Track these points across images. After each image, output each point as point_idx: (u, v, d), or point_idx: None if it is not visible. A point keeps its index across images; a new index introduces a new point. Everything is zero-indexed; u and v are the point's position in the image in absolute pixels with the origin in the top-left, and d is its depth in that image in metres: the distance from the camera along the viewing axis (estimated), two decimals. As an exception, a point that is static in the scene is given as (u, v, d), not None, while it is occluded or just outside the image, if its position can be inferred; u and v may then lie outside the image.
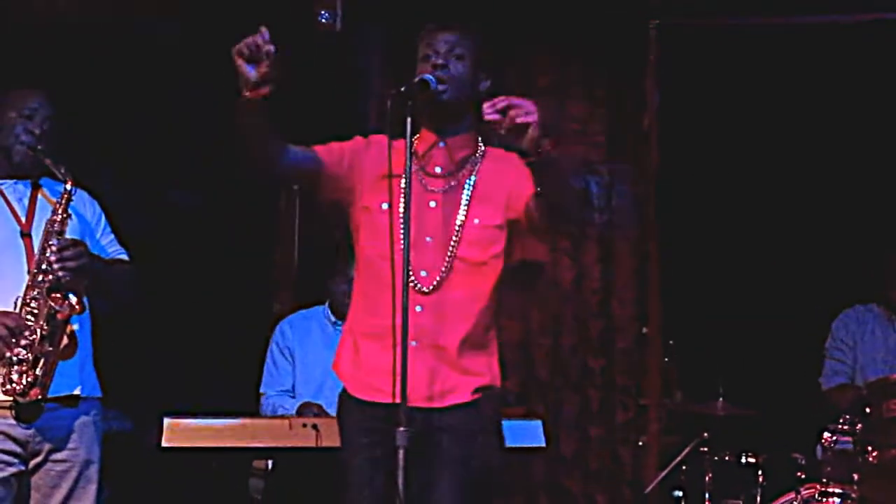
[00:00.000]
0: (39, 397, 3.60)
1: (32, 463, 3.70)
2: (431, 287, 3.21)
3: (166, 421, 3.98)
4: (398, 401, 2.99)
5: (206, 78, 5.49)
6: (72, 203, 3.74)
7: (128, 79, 5.34)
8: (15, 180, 3.84)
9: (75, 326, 3.69)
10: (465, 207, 3.25)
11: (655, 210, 5.66)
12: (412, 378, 3.03)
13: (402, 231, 3.06)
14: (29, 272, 3.68)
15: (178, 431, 3.97)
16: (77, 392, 3.73)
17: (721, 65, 5.59)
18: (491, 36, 3.41)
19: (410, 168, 3.11)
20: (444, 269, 3.22)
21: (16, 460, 3.67)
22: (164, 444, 3.97)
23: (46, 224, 3.71)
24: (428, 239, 3.24)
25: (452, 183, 3.28)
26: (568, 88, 5.78)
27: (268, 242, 6.03)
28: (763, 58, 5.56)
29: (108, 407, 3.88)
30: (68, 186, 3.72)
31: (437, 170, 3.29)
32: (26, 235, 3.76)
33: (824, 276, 5.61)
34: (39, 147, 3.74)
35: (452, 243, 3.22)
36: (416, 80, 3.15)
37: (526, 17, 5.65)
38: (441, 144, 3.31)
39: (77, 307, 3.64)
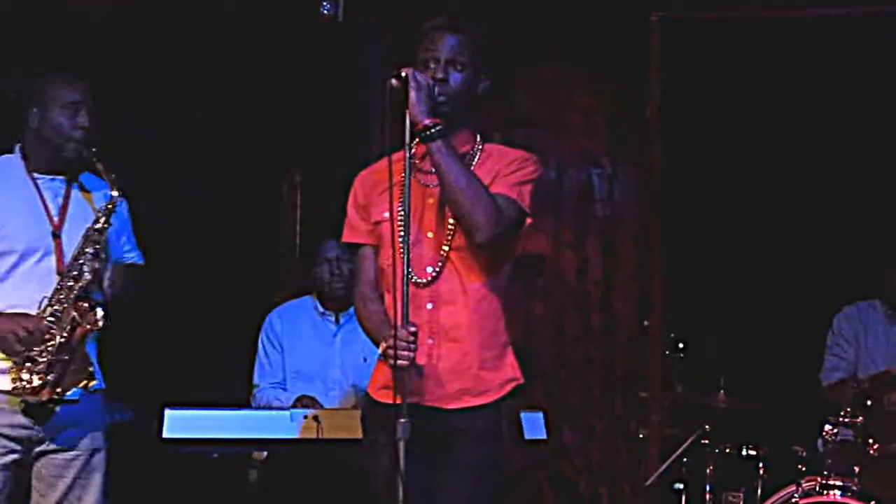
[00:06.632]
0: (48, 398, 3.56)
1: (35, 451, 3.68)
2: (429, 280, 3.20)
3: (168, 412, 3.99)
4: (415, 400, 3.06)
5: (217, 71, 5.53)
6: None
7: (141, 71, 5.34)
8: (52, 176, 3.75)
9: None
10: None
11: (658, 202, 5.66)
12: (431, 377, 3.12)
13: (401, 232, 3.07)
14: (58, 273, 3.63)
15: (180, 423, 3.98)
16: (78, 397, 3.67)
17: (724, 57, 5.57)
18: (494, 30, 3.40)
19: (409, 160, 3.09)
20: (440, 261, 3.21)
21: (19, 447, 3.64)
22: (166, 435, 3.97)
23: (87, 230, 3.64)
24: (429, 235, 3.23)
25: None
26: (571, 80, 5.78)
27: (272, 236, 6.03)
28: (767, 50, 5.55)
29: (111, 398, 3.89)
30: (114, 194, 3.65)
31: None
32: (57, 236, 3.69)
33: (827, 270, 5.59)
34: (94, 149, 3.66)
35: (448, 235, 3.20)
36: (410, 72, 3.11)
37: (529, 9, 5.65)
38: None
39: (100, 323, 3.60)
